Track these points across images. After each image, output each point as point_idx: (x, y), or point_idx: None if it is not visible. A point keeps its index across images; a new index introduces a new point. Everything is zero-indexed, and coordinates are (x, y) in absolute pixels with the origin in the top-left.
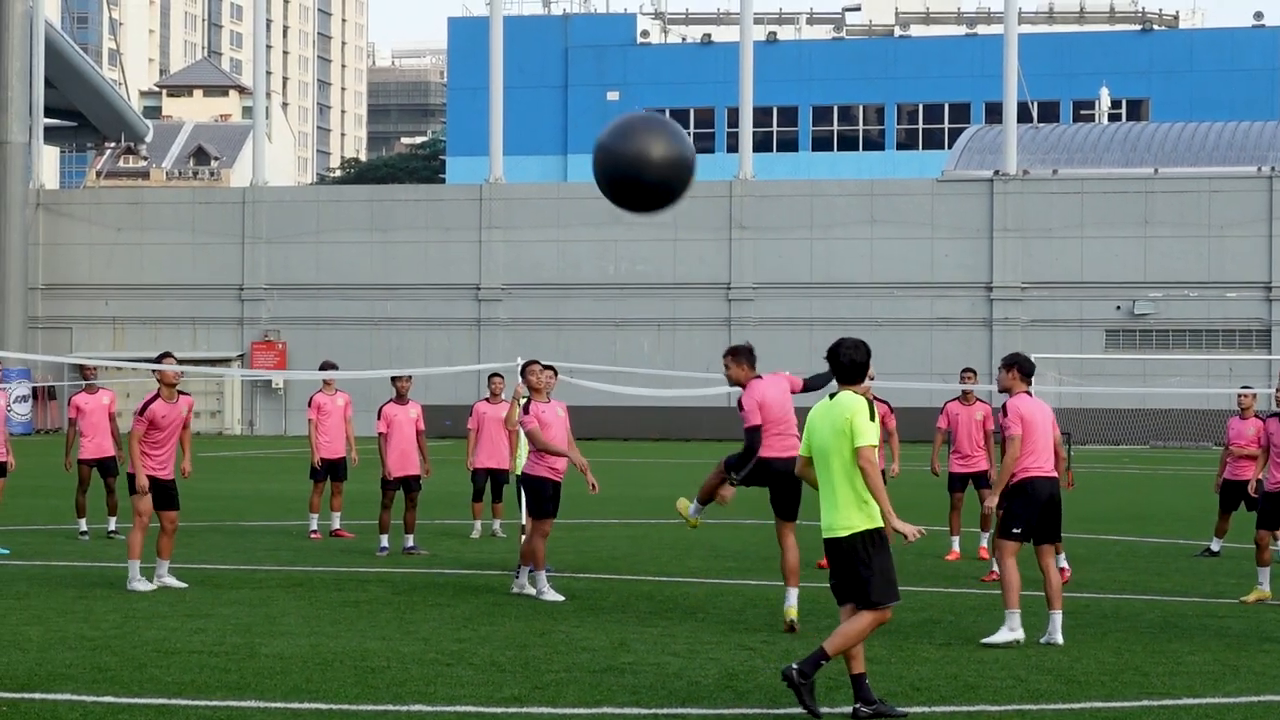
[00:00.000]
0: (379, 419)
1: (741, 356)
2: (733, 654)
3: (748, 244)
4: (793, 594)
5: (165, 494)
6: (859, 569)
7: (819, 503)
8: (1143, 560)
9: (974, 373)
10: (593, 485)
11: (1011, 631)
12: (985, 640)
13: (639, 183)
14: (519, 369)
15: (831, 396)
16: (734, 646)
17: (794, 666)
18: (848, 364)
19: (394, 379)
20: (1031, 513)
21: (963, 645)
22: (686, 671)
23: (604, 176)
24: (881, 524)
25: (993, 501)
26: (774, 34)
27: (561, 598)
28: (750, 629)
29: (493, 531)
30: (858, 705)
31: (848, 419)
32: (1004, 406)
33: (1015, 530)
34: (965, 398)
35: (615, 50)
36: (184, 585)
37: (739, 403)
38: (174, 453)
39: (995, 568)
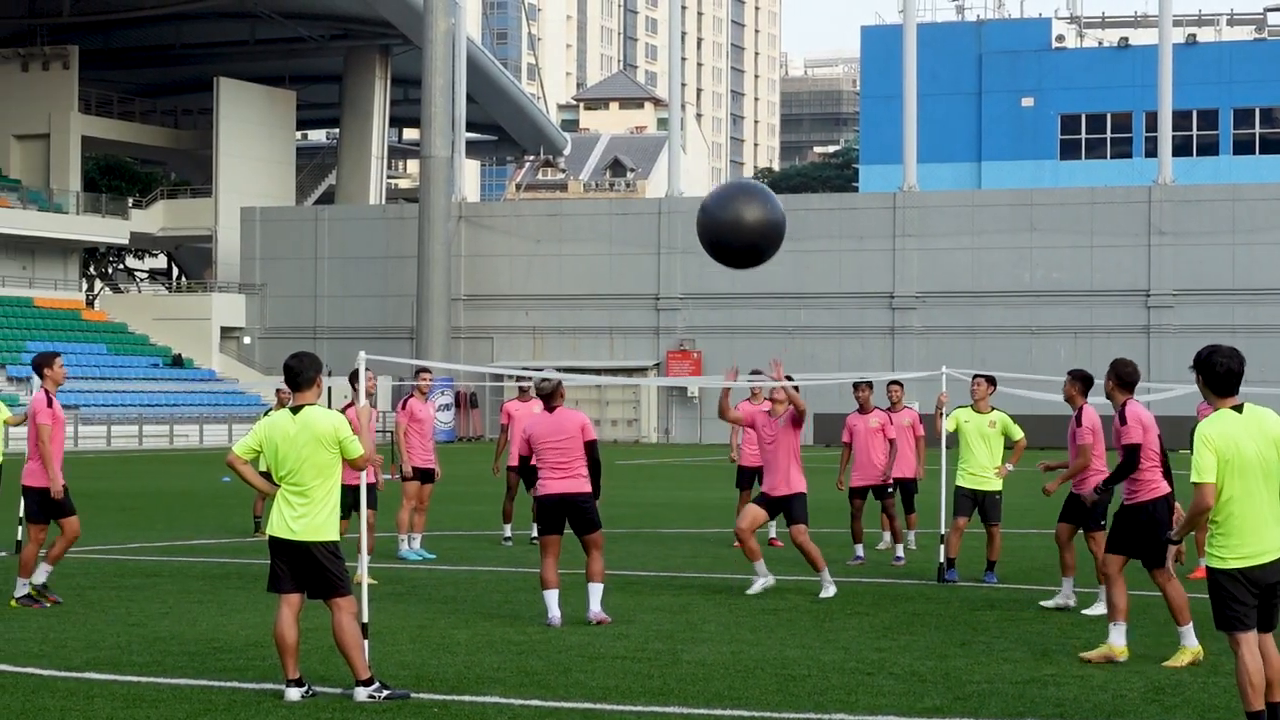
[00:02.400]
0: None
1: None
2: (1156, 666)
3: (1167, 250)
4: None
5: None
6: None
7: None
8: None
9: None
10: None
11: None
12: None
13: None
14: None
15: (1239, 409)
16: (1156, 659)
17: None
18: (1224, 373)
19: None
20: None
21: None
22: (1111, 684)
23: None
24: None
25: None
26: (1193, 36)
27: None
28: (1176, 643)
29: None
30: None
31: None
32: None
33: None
34: None
35: (1030, 56)
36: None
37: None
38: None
39: None
